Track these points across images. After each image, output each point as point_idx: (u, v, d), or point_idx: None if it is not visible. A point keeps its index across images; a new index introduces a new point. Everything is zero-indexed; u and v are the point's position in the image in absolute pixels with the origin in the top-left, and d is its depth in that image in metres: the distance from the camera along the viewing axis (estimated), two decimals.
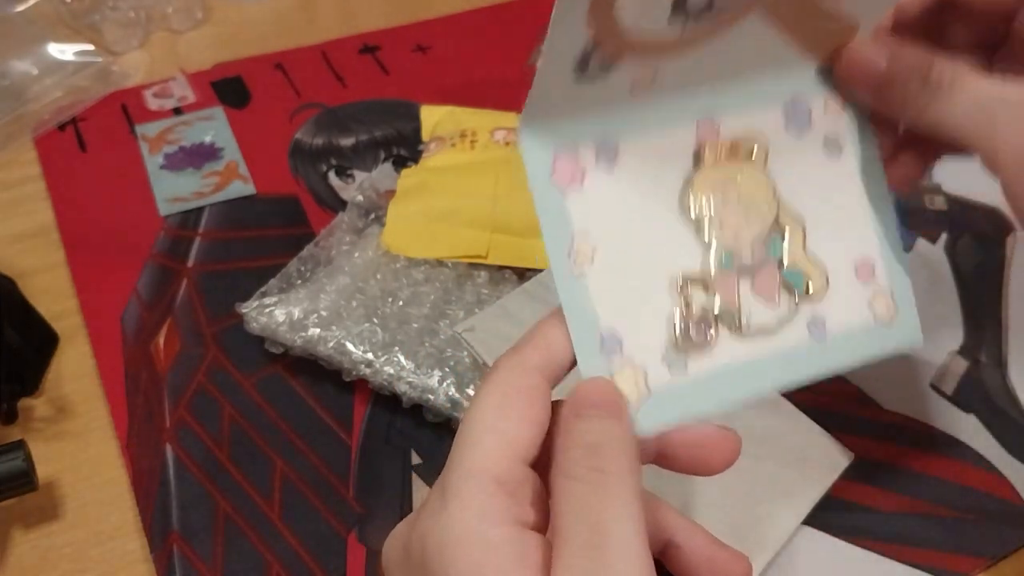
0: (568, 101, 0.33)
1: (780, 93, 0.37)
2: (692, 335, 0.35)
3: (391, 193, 0.63)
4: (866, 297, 0.38)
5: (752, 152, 0.36)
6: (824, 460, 0.53)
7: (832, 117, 0.38)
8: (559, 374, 0.34)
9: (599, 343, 0.34)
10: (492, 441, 0.31)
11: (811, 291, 0.37)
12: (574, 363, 0.34)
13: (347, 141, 0.71)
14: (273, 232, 0.64)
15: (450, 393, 0.52)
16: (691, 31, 0.33)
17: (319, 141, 0.71)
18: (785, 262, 0.36)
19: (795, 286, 0.37)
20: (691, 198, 0.35)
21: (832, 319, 0.37)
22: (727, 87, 0.36)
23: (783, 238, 0.37)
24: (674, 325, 0.34)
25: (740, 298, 0.36)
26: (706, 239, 0.35)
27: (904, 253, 0.39)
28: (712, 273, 0.35)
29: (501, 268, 0.59)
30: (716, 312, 0.35)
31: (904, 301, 0.39)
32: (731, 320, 0.35)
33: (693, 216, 0.35)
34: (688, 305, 0.35)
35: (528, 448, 0.32)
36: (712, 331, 0.35)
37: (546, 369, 0.33)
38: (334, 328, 0.53)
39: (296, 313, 0.54)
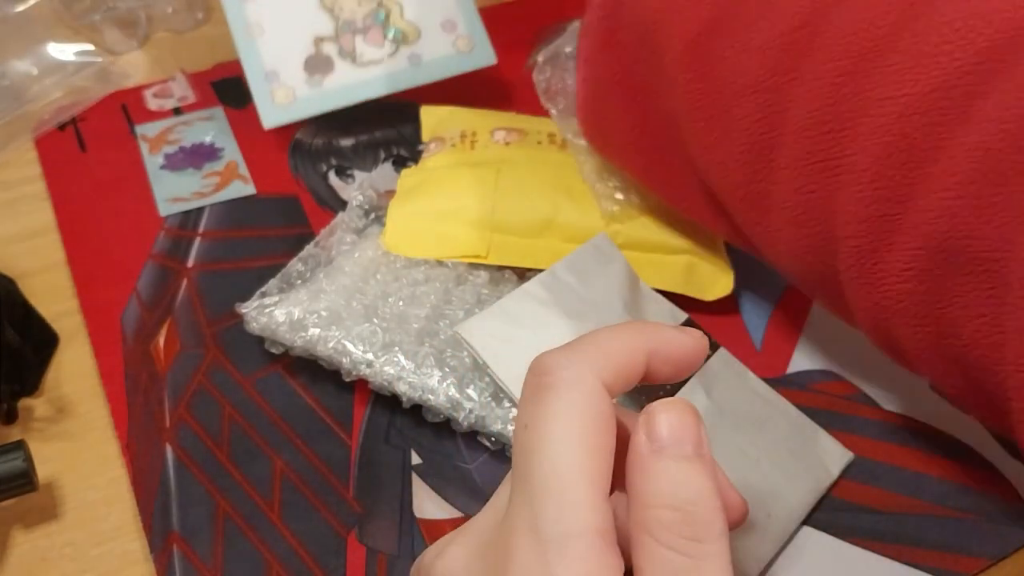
0: None
1: None
2: (320, 66, 0.62)
3: (391, 193, 0.63)
4: (451, 40, 0.65)
5: None
6: (824, 460, 0.53)
7: None
8: (622, 391, 0.33)
9: (264, 77, 0.63)
10: (586, 488, 0.29)
11: (408, 39, 0.64)
12: (637, 378, 0.33)
13: (347, 141, 0.71)
14: (273, 232, 0.64)
15: (450, 393, 0.52)
16: None
17: (319, 141, 0.71)
18: (388, 23, 0.64)
19: (395, 37, 0.64)
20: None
21: (425, 53, 0.64)
22: None
23: (386, 11, 0.65)
24: (306, 61, 0.62)
25: (355, 45, 0.64)
26: (334, 16, 0.64)
27: (475, 10, 0.67)
28: (334, 34, 0.64)
29: (501, 268, 0.59)
30: (337, 53, 0.64)
31: (480, 39, 0.67)
32: (349, 57, 0.64)
33: (328, 5, 0.65)
34: (319, 52, 0.63)
35: (609, 481, 0.30)
36: (335, 63, 0.64)
37: (615, 387, 0.32)
38: (334, 328, 0.53)
39: (296, 313, 0.54)
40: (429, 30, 0.67)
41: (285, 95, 0.62)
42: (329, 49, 0.65)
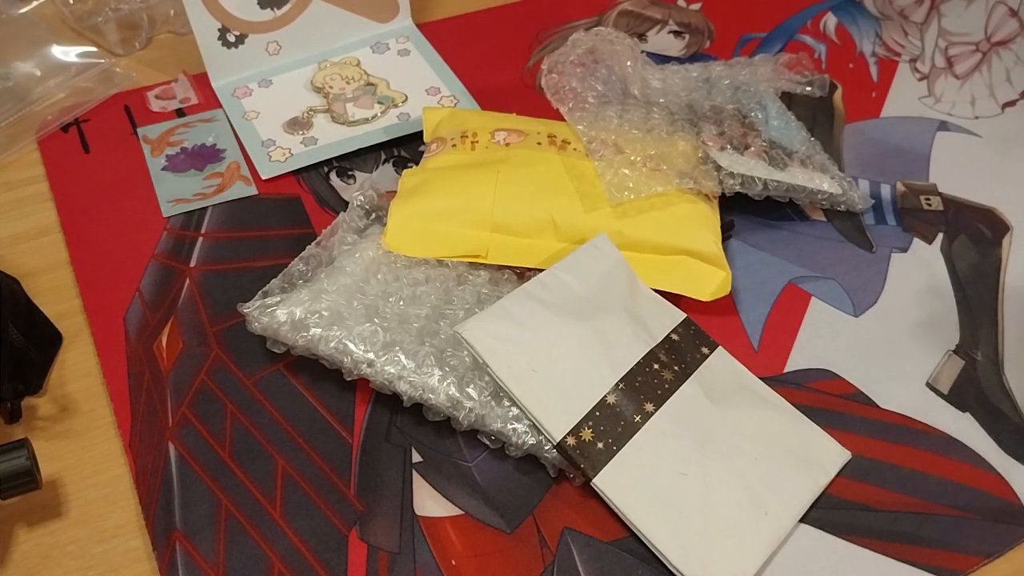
0: (230, 61, 0.75)
1: (362, 40, 0.79)
2: (313, 127, 0.72)
3: (392, 193, 0.64)
4: (436, 100, 0.74)
5: (347, 61, 0.77)
6: (822, 459, 0.54)
7: (400, 44, 0.79)
8: None
9: (261, 144, 0.70)
10: None
11: (396, 104, 0.73)
12: None
13: None
14: (275, 232, 0.65)
15: (450, 392, 0.52)
16: (281, 14, 0.75)
17: None
18: (376, 93, 0.74)
19: (385, 102, 0.73)
20: (313, 84, 0.75)
21: (413, 112, 0.73)
22: (330, 40, 0.78)
23: (375, 87, 0.75)
24: (300, 125, 0.72)
25: (347, 109, 0.73)
26: (324, 93, 0.74)
27: (455, 77, 0.76)
28: (328, 104, 0.73)
29: (501, 268, 0.60)
30: (331, 117, 0.72)
31: (463, 96, 0.74)
32: (341, 119, 0.72)
33: (318, 87, 0.75)
34: (310, 120, 0.72)
35: None
36: (324, 124, 0.72)
37: None
38: (335, 328, 0.54)
39: (298, 313, 0.54)
40: (415, 94, 0.75)
41: (281, 154, 0.69)
42: (321, 115, 0.72)
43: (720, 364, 0.56)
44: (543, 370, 0.52)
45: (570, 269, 0.57)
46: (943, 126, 0.75)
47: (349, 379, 0.54)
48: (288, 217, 0.66)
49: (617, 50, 0.69)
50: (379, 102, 0.73)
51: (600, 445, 0.50)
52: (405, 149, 0.71)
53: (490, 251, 0.59)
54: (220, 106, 0.73)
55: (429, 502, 0.52)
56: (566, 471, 0.52)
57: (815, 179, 0.65)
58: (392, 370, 0.53)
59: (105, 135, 0.71)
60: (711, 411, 0.53)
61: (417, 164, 0.67)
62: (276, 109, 0.73)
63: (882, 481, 0.54)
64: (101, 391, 0.56)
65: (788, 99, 0.74)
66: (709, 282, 0.60)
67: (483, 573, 0.49)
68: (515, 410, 0.52)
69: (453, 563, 0.50)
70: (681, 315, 0.58)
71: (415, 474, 0.53)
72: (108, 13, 0.78)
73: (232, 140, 0.71)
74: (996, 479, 0.54)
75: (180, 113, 0.73)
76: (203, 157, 0.70)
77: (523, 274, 0.60)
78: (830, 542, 0.51)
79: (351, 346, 0.53)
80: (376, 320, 0.54)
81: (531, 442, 0.52)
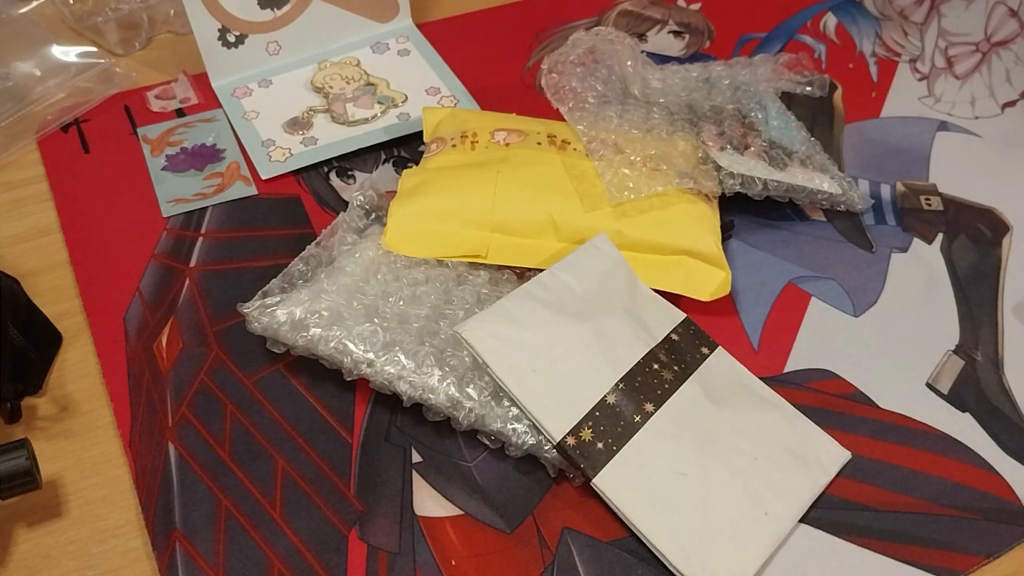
0: (230, 61, 0.75)
1: (362, 40, 0.79)
2: (313, 127, 0.72)
3: (392, 193, 0.64)
4: (435, 100, 0.75)
5: (347, 61, 0.77)
6: (822, 459, 0.54)
7: (400, 44, 0.79)
8: None
9: (261, 144, 0.70)
10: None
11: (396, 104, 0.73)
12: None
13: None
14: (275, 232, 0.65)
15: (450, 392, 0.52)
16: (281, 14, 0.75)
17: None
18: (376, 93, 0.74)
19: (385, 102, 0.74)
20: (313, 83, 0.75)
21: (413, 112, 0.73)
22: (330, 40, 0.78)
23: (375, 87, 0.75)
24: (300, 125, 0.72)
25: (346, 109, 0.73)
26: (324, 93, 0.74)
27: (455, 77, 0.76)
28: (328, 104, 0.73)
29: (501, 268, 0.60)
30: (331, 117, 0.72)
31: (462, 96, 0.75)
32: (341, 119, 0.72)
33: (318, 87, 0.75)
34: (310, 120, 0.72)
35: None
36: (324, 124, 0.72)
37: None
38: (335, 328, 0.54)
39: (297, 313, 0.54)
40: (415, 94, 0.75)
41: (281, 154, 0.69)
42: (321, 116, 0.72)
43: (720, 364, 0.56)
44: (543, 370, 0.52)
45: (570, 269, 0.57)
46: (943, 126, 0.75)
47: (349, 379, 0.54)
48: (288, 217, 0.66)
49: (617, 50, 0.69)
50: (379, 102, 0.73)
51: (600, 445, 0.50)
52: (405, 149, 0.71)
53: (490, 251, 0.59)
54: (220, 106, 0.73)
55: (429, 502, 0.52)
56: (566, 471, 0.52)
57: (815, 179, 0.65)
58: (392, 370, 0.53)
59: (105, 135, 0.71)
60: (711, 411, 0.53)
61: (417, 164, 0.67)
62: (276, 109, 0.73)
63: (882, 481, 0.54)
64: (101, 391, 0.56)
65: (788, 99, 0.74)
66: (709, 282, 0.60)
67: (483, 573, 0.49)
68: (515, 410, 0.52)
69: (453, 563, 0.50)
70: (681, 315, 0.58)
71: (415, 474, 0.53)
72: (108, 13, 0.78)
73: (232, 140, 0.71)
74: (996, 479, 0.54)
75: (180, 113, 0.73)
76: (203, 157, 0.70)
77: (523, 274, 0.60)
78: (830, 542, 0.51)
79: (351, 346, 0.53)
80: (376, 320, 0.54)
81: (531, 442, 0.52)
